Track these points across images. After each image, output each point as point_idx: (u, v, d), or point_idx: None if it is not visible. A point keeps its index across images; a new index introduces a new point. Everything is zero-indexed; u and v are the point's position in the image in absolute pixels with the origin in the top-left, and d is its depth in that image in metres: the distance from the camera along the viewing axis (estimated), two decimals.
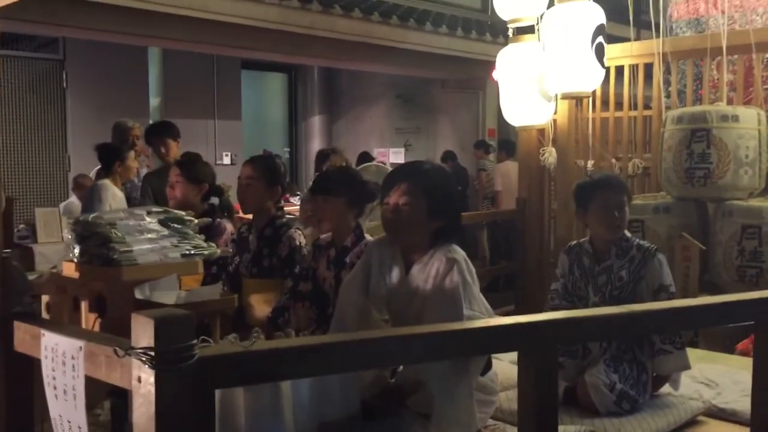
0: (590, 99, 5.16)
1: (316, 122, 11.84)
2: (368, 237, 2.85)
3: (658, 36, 4.90)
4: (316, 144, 11.84)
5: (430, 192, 2.20)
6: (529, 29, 5.06)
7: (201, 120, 10.04)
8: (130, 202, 4.92)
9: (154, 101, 9.52)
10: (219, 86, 10.25)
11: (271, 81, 12.13)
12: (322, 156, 5.41)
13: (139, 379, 1.46)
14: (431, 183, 2.23)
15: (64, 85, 8.69)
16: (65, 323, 2.27)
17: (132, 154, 4.85)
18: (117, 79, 8.86)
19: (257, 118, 11.67)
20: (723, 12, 5.15)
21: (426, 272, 2.16)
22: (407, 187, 2.21)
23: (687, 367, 2.70)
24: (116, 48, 8.16)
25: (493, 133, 10.10)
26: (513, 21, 4.99)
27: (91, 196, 4.74)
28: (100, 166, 5.02)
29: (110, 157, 4.83)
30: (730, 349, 3.88)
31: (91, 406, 2.26)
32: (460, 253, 2.18)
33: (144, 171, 5.47)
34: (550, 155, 5.36)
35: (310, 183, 2.94)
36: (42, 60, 8.58)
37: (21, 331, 1.87)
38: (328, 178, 2.91)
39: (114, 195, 4.67)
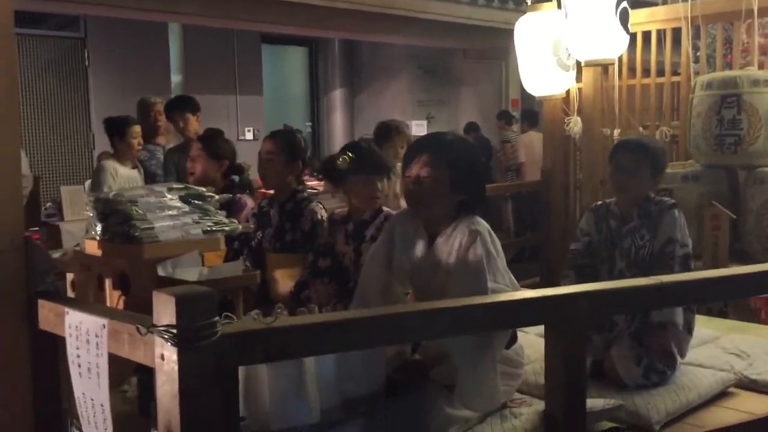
0: (616, 66, 5.05)
1: (338, 96, 11.78)
2: (385, 209, 2.83)
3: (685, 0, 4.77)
4: (338, 118, 11.79)
5: (453, 164, 2.16)
6: None
7: (222, 96, 10.03)
8: (155, 178, 4.90)
9: (175, 78, 9.52)
10: (239, 61, 10.22)
11: (291, 55, 12.07)
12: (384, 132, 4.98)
13: (162, 357, 1.45)
14: (454, 154, 2.18)
15: (86, 63, 8.72)
16: (89, 301, 2.28)
17: (134, 129, 4.76)
18: (138, 56, 8.87)
19: (278, 93, 11.63)
20: None
21: (449, 245, 2.13)
22: (429, 158, 2.17)
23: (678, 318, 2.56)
24: (137, 25, 8.16)
25: (516, 103, 9.97)
26: None
27: (92, 181, 4.76)
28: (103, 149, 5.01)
29: (110, 133, 4.80)
30: (760, 320, 3.82)
31: (118, 383, 2.28)
32: (483, 225, 2.14)
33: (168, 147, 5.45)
34: (575, 125, 5.28)
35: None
36: (64, 39, 8.60)
37: (45, 310, 1.88)
38: (379, 156, 2.90)
39: (114, 174, 4.62)
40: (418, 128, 10.49)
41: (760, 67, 4.64)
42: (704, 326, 3.12)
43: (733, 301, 4.13)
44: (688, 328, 2.63)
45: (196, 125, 4.71)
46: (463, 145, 2.28)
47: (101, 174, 4.66)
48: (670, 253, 2.65)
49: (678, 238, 2.68)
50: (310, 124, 12.00)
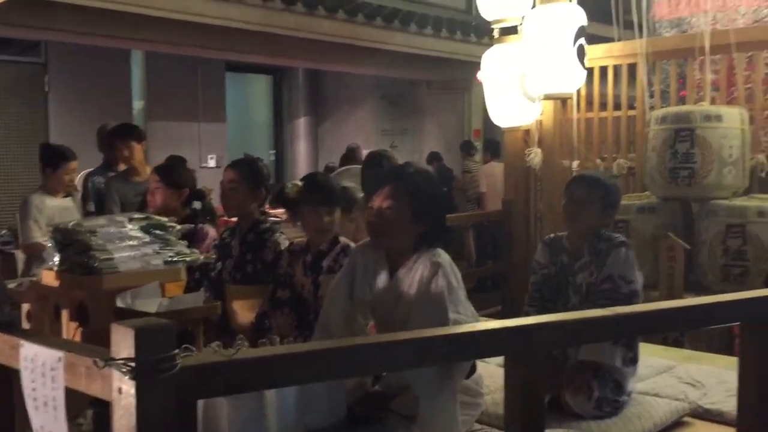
0: (575, 99, 5.18)
1: (302, 124, 11.81)
2: (342, 240, 2.83)
3: (641, 36, 4.92)
4: (302, 146, 11.81)
5: (415, 195, 2.19)
6: (513, 30, 5.07)
7: (185, 123, 9.99)
8: (101, 211, 4.59)
9: (137, 104, 9.45)
10: (203, 89, 10.19)
11: (255, 83, 12.09)
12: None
13: (120, 391, 1.43)
14: (415, 186, 2.21)
15: (47, 89, 8.62)
16: (45, 333, 2.23)
17: (70, 166, 4.46)
18: (100, 82, 8.80)
19: (242, 121, 11.62)
20: (705, 12, 5.18)
21: (411, 276, 2.15)
22: (391, 190, 2.19)
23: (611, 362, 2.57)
24: (99, 51, 8.10)
25: (478, 133, 10.11)
26: (497, 22, 5.01)
27: (18, 215, 4.47)
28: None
29: (44, 163, 4.49)
30: (715, 349, 3.89)
31: (73, 416, 2.23)
32: (445, 256, 2.16)
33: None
34: (535, 156, 5.37)
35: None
36: (24, 64, 8.51)
37: (0, 342, 1.83)
38: (329, 188, 2.90)
39: (41, 207, 4.35)
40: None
41: (713, 102, 4.79)
42: (660, 356, 3.18)
43: (690, 331, 4.21)
44: (632, 361, 2.64)
45: (141, 154, 4.53)
46: (425, 177, 2.31)
47: (25, 207, 4.41)
48: (607, 290, 2.66)
49: (623, 275, 2.67)
50: (273, 151, 12.00)
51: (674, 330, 3.65)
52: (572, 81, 4.65)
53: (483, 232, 8.25)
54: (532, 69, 4.73)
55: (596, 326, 1.99)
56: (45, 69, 8.60)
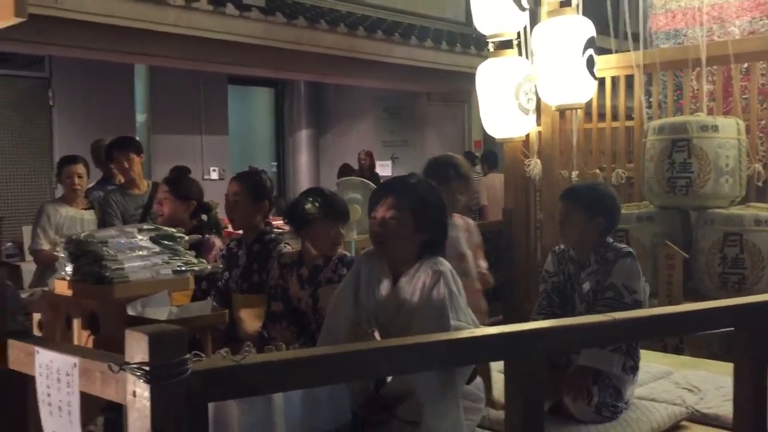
0: (573, 110, 5.24)
1: (304, 136, 11.89)
2: (339, 252, 2.88)
3: (637, 48, 4.99)
4: (303, 158, 11.88)
5: (417, 205, 2.25)
6: (509, 44, 5.14)
7: (188, 135, 10.07)
8: (102, 224, 4.57)
9: (140, 117, 9.52)
10: (206, 102, 10.28)
11: (257, 96, 12.18)
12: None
13: (134, 394, 1.49)
14: (417, 196, 2.27)
15: (51, 102, 8.70)
16: (58, 341, 2.29)
17: (69, 169, 4.54)
18: (103, 96, 8.88)
19: (244, 133, 11.70)
20: (701, 24, 5.25)
21: (413, 284, 2.20)
22: (394, 200, 2.26)
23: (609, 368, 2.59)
24: (102, 65, 8.19)
25: (479, 144, 10.17)
26: (493, 36, 5.09)
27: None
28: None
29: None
30: (714, 355, 3.93)
31: (85, 423, 2.28)
32: (446, 265, 2.22)
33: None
34: (535, 167, 5.44)
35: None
36: (28, 78, 8.59)
37: (15, 349, 1.89)
38: (343, 204, 2.95)
39: (52, 216, 4.45)
40: (383, 168, 10.63)
41: (709, 112, 4.85)
42: (658, 362, 3.23)
43: (689, 338, 4.27)
44: (632, 370, 2.68)
45: (139, 166, 4.55)
46: (426, 188, 2.37)
47: (38, 216, 4.52)
48: (610, 299, 2.70)
49: (627, 285, 2.71)
50: (275, 164, 12.07)
51: (667, 335, 3.71)
52: (583, 91, 4.73)
53: (485, 243, 8.28)
54: (542, 81, 4.81)
55: (594, 332, 2.05)
56: (49, 83, 8.69)
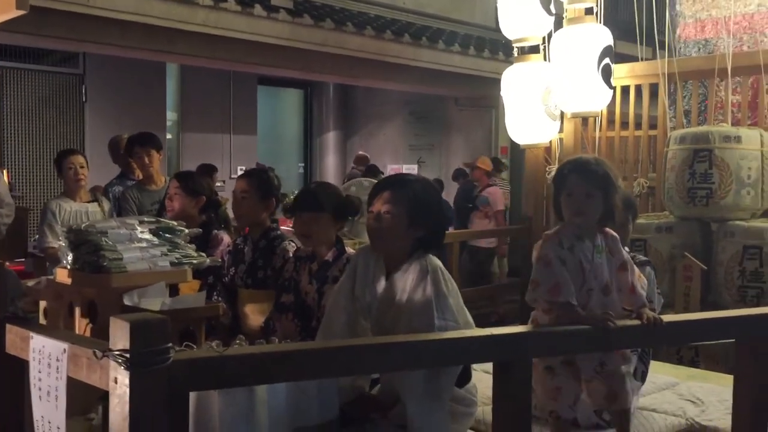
0: (596, 118, 5.20)
1: (331, 138, 11.96)
2: (349, 250, 2.90)
3: (662, 56, 4.93)
4: (330, 159, 11.95)
5: (411, 201, 2.25)
6: (535, 49, 5.11)
7: (217, 134, 10.19)
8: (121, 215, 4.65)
9: (171, 115, 9.67)
10: (235, 101, 10.39)
11: (286, 97, 12.28)
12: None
13: (116, 380, 1.52)
14: (412, 192, 2.28)
15: (84, 99, 8.87)
16: (60, 328, 2.34)
17: (68, 160, 4.59)
18: (135, 93, 9.02)
19: (273, 133, 11.80)
20: (730, 33, 5.17)
21: (403, 281, 2.21)
22: (389, 195, 2.27)
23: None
24: (135, 63, 8.33)
25: (505, 150, 10.12)
26: (518, 41, 5.06)
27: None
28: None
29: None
30: (731, 370, 3.85)
31: (85, 410, 2.32)
32: (435, 262, 2.22)
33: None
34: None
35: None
36: (62, 74, 8.76)
37: (12, 334, 1.94)
38: (313, 193, 2.94)
39: (57, 212, 4.48)
40: (410, 172, 10.65)
41: (735, 123, 4.77)
42: (666, 373, 3.18)
43: (704, 350, 4.20)
44: (642, 377, 2.66)
45: (158, 162, 4.61)
46: (423, 185, 2.37)
47: (42, 213, 4.59)
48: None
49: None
50: (302, 164, 12.16)
51: (666, 344, 3.65)
52: (598, 100, 4.68)
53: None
54: (558, 88, 4.78)
55: (584, 338, 2.03)
56: (82, 80, 8.86)
